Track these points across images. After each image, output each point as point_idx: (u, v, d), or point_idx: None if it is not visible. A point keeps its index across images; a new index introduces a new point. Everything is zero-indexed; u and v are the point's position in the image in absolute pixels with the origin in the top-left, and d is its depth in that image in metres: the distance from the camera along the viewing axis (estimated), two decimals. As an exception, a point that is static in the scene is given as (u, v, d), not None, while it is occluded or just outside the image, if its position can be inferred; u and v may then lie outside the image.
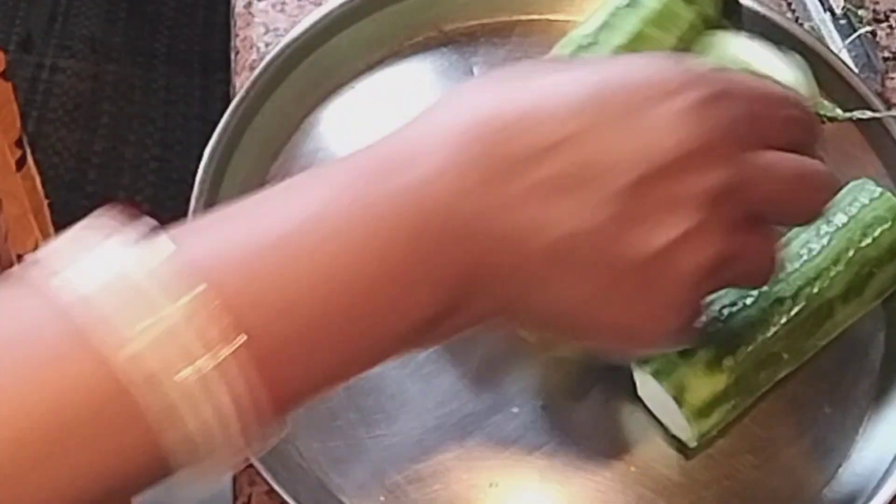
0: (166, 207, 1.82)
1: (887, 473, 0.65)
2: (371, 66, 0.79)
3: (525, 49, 0.79)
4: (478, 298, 0.46)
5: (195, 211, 0.71)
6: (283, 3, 0.83)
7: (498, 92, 0.48)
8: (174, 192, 1.83)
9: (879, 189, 0.70)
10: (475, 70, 0.79)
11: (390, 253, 0.43)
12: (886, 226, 0.68)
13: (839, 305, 0.67)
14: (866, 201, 0.69)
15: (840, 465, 0.67)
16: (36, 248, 0.67)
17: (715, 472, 0.67)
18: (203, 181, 0.72)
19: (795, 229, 0.70)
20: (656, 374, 0.65)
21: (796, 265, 0.67)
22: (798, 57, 0.66)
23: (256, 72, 0.75)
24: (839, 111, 0.73)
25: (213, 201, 0.72)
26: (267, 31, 0.81)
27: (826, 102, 0.73)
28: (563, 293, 0.47)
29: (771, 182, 0.50)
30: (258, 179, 0.75)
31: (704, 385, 0.64)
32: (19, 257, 0.65)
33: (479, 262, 0.45)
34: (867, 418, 0.69)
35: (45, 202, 0.80)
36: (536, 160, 0.45)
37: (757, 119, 0.49)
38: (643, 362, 0.66)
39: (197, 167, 0.72)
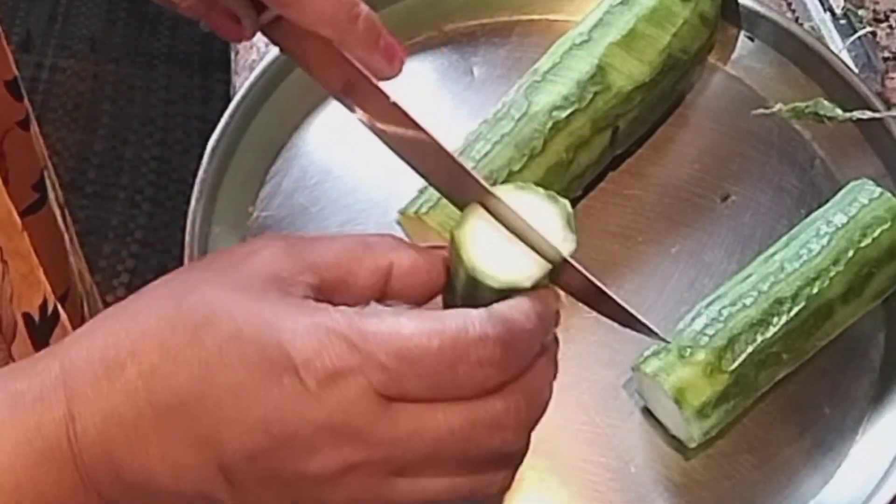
0: (166, 207, 1.82)
1: (887, 474, 0.65)
2: (371, 67, 0.79)
3: (525, 49, 0.79)
4: None
5: (195, 211, 0.71)
6: (283, 3, 0.83)
7: (145, 324, 0.47)
8: (174, 192, 1.83)
9: (879, 189, 0.70)
10: (475, 70, 0.79)
11: (45, 480, 0.46)
12: (886, 226, 0.68)
13: (839, 306, 0.67)
14: (866, 202, 0.69)
15: (839, 466, 0.67)
16: (44, 304, 0.67)
17: (714, 473, 0.67)
18: (203, 181, 0.72)
19: (794, 229, 0.70)
20: (656, 375, 0.65)
21: (796, 265, 0.67)
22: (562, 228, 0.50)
23: (256, 72, 0.75)
24: (839, 111, 0.73)
25: (212, 201, 0.72)
26: (267, 32, 0.81)
27: (826, 102, 0.73)
28: None
29: (409, 449, 0.46)
30: (258, 179, 0.75)
31: (704, 386, 0.64)
32: (25, 316, 0.65)
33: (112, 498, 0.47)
34: (867, 419, 0.69)
35: (66, 237, 0.80)
36: (164, 411, 0.45)
37: (397, 382, 0.45)
38: (642, 363, 0.66)
39: (197, 167, 0.72)
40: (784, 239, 0.70)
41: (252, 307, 0.46)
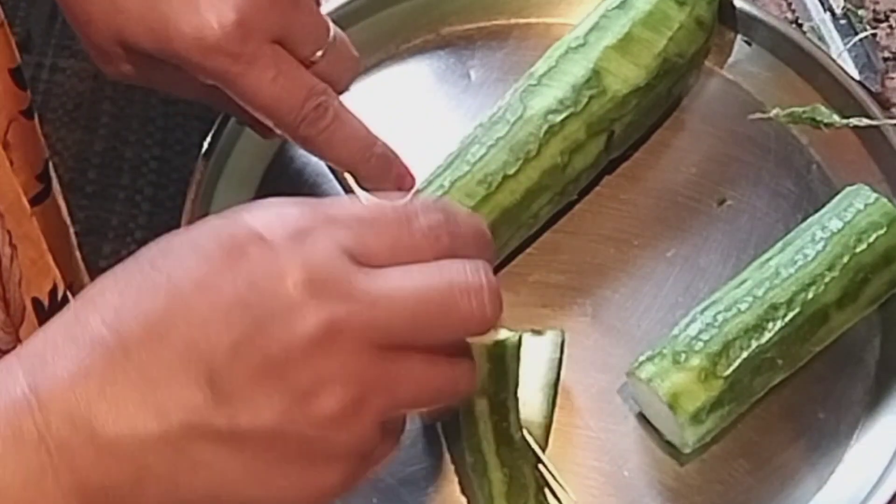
0: (166, 207, 1.81)
1: (881, 479, 0.65)
2: (368, 69, 0.79)
3: (522, 52, 0.79)
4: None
5: (190, 212, 0.71)
6: (282, 5, 0.83)
7: (101, 286, 0.45)
8: (174, 192, 1.82)
9: (875, 195, 0.70)
10: (472, 73, 0.79)
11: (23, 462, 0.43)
12: (881, 231, 0.68)
13: (834, 311, 0.67)
14: (861, 207, 0.69)
15: (834, 471, 0.67)
16: (53, 290, 0.67)
17: (708, 478, 0.67)
18: (199, 182, 0.72)
19: (790, 234, 0.70)
20: (651, 380, 0.65)
21: (791, 271, 0.67)
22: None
23: (253, 73, 0.75)
24: (836, 117, 0.72)
25: (208, 202, 0.72)
26: (265, 33, 0.81)
27: (823, 108, 0.73)
28: (211, 478, 0.45)
29: (390, 309, 0.45)
30: (254, 181, 0.75)
31: (699, 391, 0.64)
32: (34, 301, 0.65)
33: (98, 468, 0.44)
34: (861, 424, 0.68)
35: (71, 229, 0.80)
36: (136, 346, 0.43)
37: (361, 240, 0.45)
38: (637, 368, 0.66)
39: (197, 167, 0.72)
40: (780, 244, 0.70)
41: (207, 220, 0.46)
